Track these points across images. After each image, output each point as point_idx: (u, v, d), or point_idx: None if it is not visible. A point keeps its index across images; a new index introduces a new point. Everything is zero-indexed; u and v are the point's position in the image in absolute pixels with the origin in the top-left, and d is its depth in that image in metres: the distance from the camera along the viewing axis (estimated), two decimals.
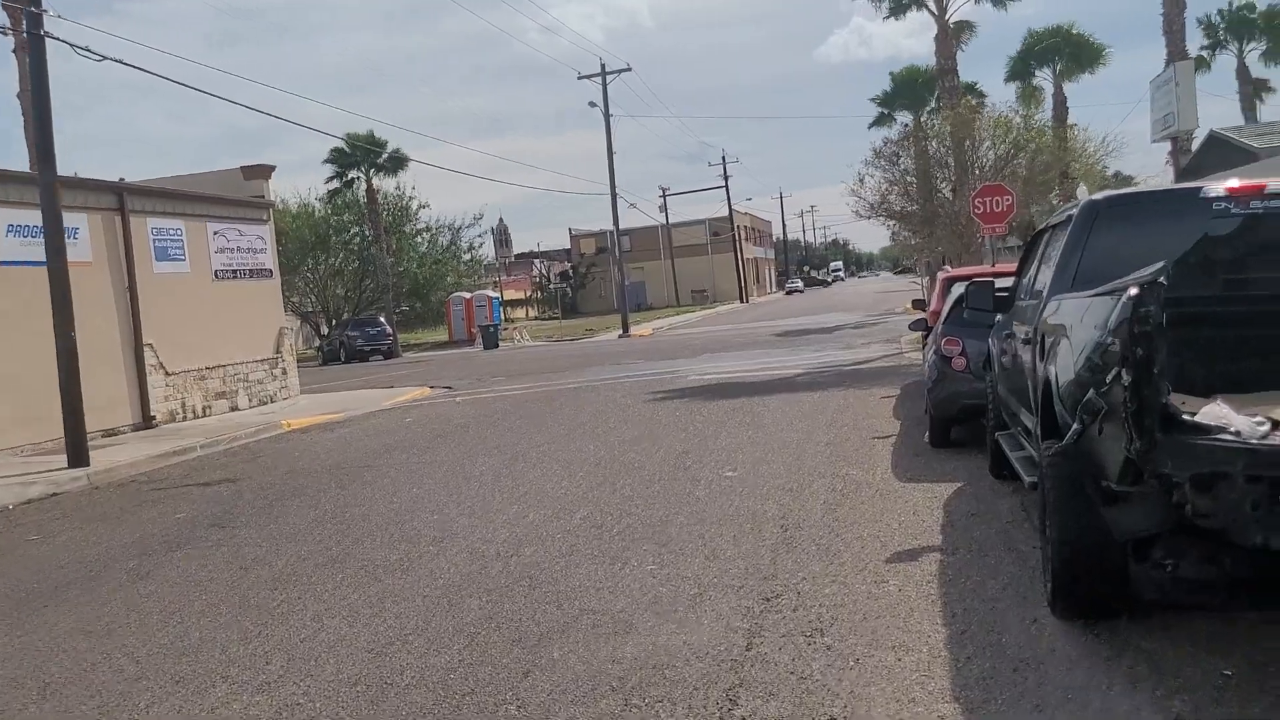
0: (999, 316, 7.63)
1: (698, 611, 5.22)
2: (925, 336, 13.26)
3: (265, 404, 22.05)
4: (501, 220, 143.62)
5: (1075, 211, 5.57)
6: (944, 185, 23.84)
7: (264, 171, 23.41)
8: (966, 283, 10.24)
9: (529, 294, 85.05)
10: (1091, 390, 4.12)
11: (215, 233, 21.26)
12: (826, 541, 6.47)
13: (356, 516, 8.59)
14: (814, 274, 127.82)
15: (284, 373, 23.10)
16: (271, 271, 23.26)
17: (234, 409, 21.07)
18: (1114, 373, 3.79)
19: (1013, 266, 15.67)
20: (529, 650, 4.86)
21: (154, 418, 18.76)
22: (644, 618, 5.19)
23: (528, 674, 4.56)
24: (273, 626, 5.64)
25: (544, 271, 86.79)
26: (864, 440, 10.38)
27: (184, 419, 19.58)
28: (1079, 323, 4.52)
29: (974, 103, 24.29)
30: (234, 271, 21.74)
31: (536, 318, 74.80)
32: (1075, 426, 4.21)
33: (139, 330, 18.67)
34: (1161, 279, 3.71)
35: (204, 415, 20.13)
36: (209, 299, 20.73)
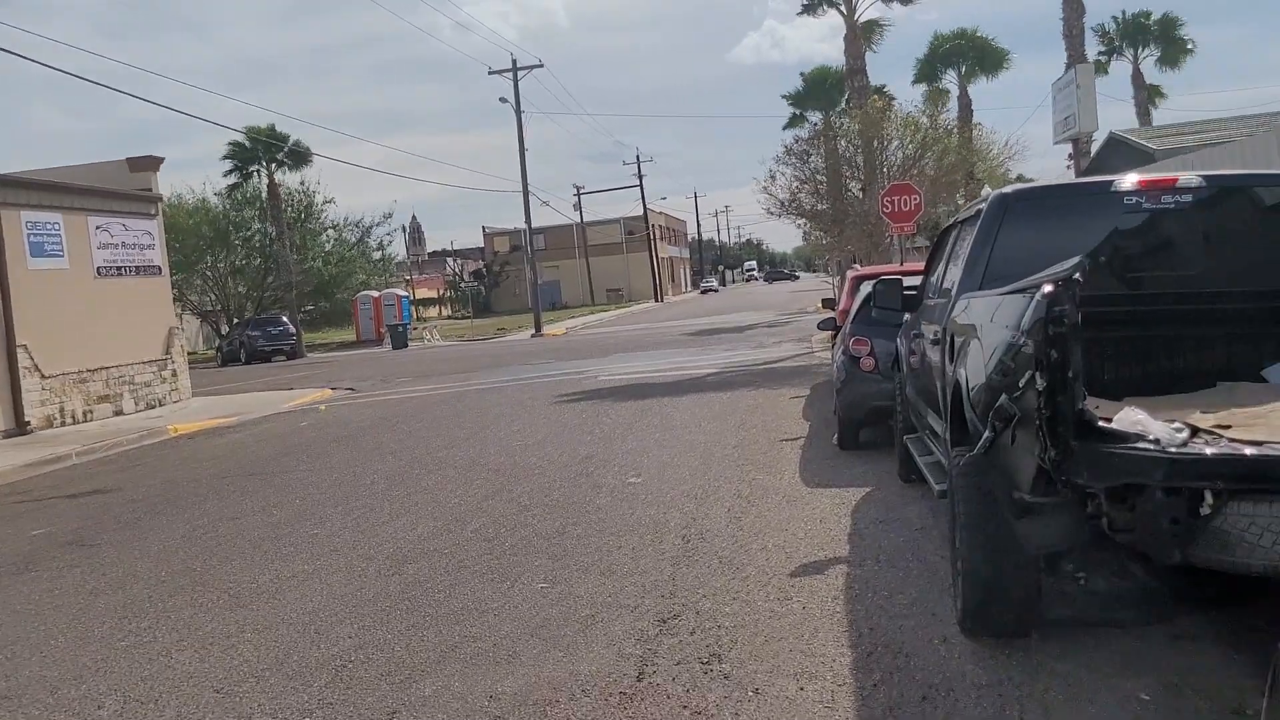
0: (907, 316, 7.41)
1: (588, 636, 4.81)
2: (834, 336, 13.10)
3: (153, 408, 20.91)
4: (415, 218, 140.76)
5: (984, 205, 5.33)
6: (853, 184, 23.90)
7: (152, 163, 22.22)
8: (874, 281, 10.08)
9: (442, 293, 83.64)
10: (1003, 395, 3.84)
11: (98, 227, 20.05)
12: (730, 554, 6.13)
13: (229, 533, 7.95)
14: (752, 274, 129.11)
15: (174, 375, 21.96)
16: (160, 268, 22.09)
17: (119, 413, 19.90)
18: (1027, 376, 3.50)
19: (921, 265, 15.79)
20: (399, 685, 4.39)
21: (29, 424, 17.57)
22: (530, 645, 4.76)
23: (394, 715, 4.09)
24: (113, 662, 5.04)
25: (457, 270, 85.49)
26: (772, 443, 10.12)
27: (63, 424, 18.39)
28: (989, 323, 4.24)
29: (882, 103, 24.45)
30: (119, 268, 20.55)
31: (450, 317, 73.54)
32: (986, 434, 3.93)
33: (10, 330, 17.46)
34: (1077, 275, 3.43)
35: (85, 420, 18.95)
36: (91, 297, 19.53)
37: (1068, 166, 20.26)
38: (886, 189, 19.31)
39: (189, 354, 49.72)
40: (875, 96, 24.73)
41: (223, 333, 46.32)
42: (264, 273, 46.52)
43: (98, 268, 19.93)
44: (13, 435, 17.23)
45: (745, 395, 14.30)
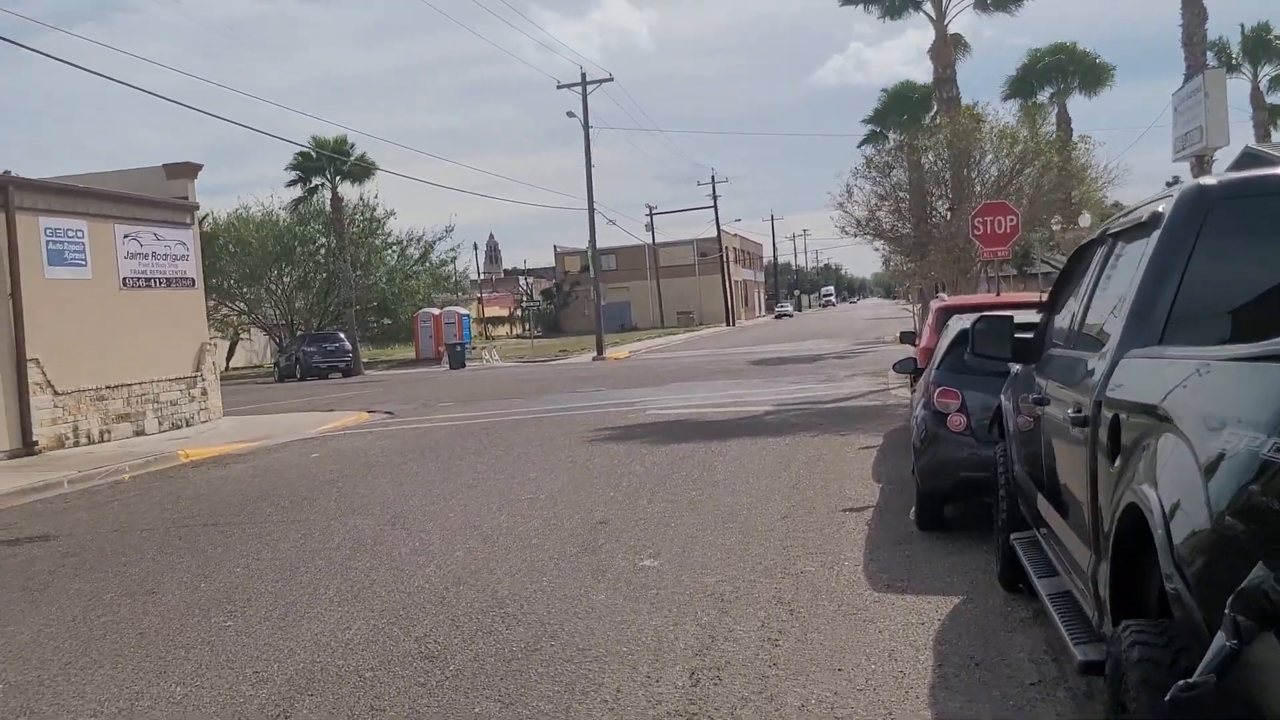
0: (1017, 368, 5.41)
1: None
2: (914, 379, 11.03)
3: (179, 428, 19.71)
4: (492, 236, 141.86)
5: (1165, 208, 3.32)
6: (940, 203, 21.63)
7: (189, 170, 21.16)
8: (968, 316, 8.03)
9: (511, 312, 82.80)
10: (1262, 568, 1.89)
11: (126, 236, 18.97)
12: (753, 712, 4.20)
13: (126, 617, 6.28)
14: (829, 299, 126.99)
15: (204, 393, 20.75)
16: (194, 281, 20.96)
17: (139, 433, 18.71)
18: None
19: (1023, 296, 13.44)
20: None
21: (36, 444, 16.40)
22: None
23: None
24: None
25: (527, 289, 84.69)
26: (832, 513, 8.12)
27: (76, 445, 17.23)
28: (1215, 412, 2.28)
29: (976, 111, 22.13)
30: (147, 279, 19.44)
31: (519, 336, 72.52)
32: (1226, 644, 1.97)
33: (20, 343, 16.34)
34: None
35: (102, 441, 17.78)
36: (115, 310, 18.40)
37: None
38: (978, 208, 17.12)
39: (254, 367, 49.69)
40: (967, 106, 22.46)
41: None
42: (327, 288, 45.84)
43: (124, 278, 18.82)
44: (17, 455, 16.07)
45: (806, 442, 12.29)
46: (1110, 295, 3.72)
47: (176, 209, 20.42)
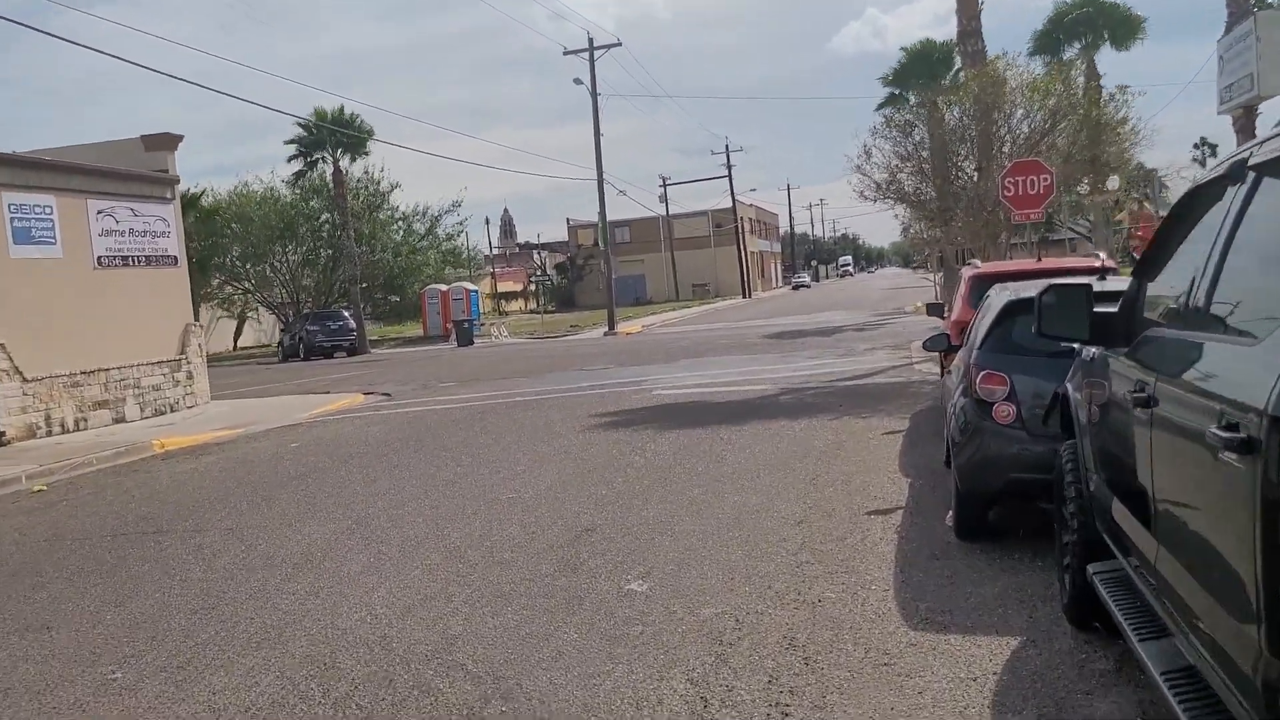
0: (1093, 351, 4.23)
1: None
2: (944, 357, 9.84)
3: (163, 414, 18.74)
4: (506, 211, 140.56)
5: None
6: (966, 163, 20.17)
7: (169, 141, 20.06)
8: (1011, 285, 6.85)
9: (525, 286, 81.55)
10: None
11: (100, 212, 17.91)
12: None
13: (7, 660, 5.22)
14: (848, 269, 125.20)
15: (189, 377, 19.76)
16: (176, 258, 19.90)
17: (119, 420, 17.76)
18: None
19: (1072, 261, 12.03)
20: None
21: (3, 434, 15.45)
22: None
23: None
24: None
25: (541, 264, 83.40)
26: (855, 516, 6.97)
27: (48, 434, 16.27)
28: None
29: (1006, 60, 20.61)
30: (125, 258, 18.40)
31: (533, 310, 71.39)
32: None
33: None
34: None
35: (77, 429, 16.81)
36: (89, 290, 17.39)
37: (1239, 131, 16.31)
38: (1009, 167, 15.77)
39: (262, 346, 48.72)
40: (996, 58, 20.93)
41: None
42: (333, 265, 44.79)
43: (98, 257, 17.79)
44: None
45: (824, 426, 11.13)
46: (1268, 258, 2.54)
47: (155, 183, 19.33)
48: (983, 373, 5.90)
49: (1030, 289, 6.43)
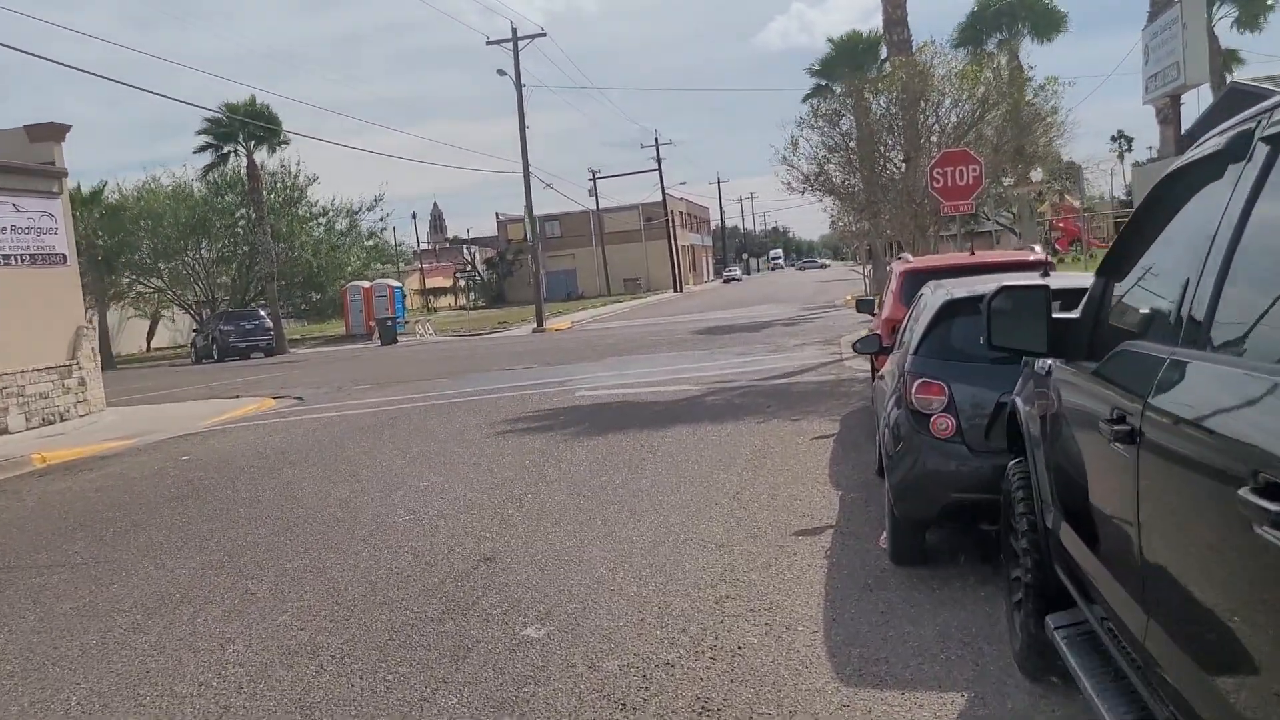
0: (1049, 364, 3.63)
1: None
2: (874, 359, 9.30)
3: (52, 424, 17.43)
4: (436, 205, 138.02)
5: None
6: (894, 154, 19.80)
7: (55, 132, 18.69)
8: (947, 282, 6.31)
9: (455, 282, 79.97)
10: None
11: None
12: None
13: None
14: (778, 262, 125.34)
15: (81, 384, 18.44)
16: (65, 257, 18.55)
17: (2, 432, 16.44)
18: None
19: (1007, 255, 11.58)
20: None
21: None
22: None
23: None
24: None
25: (470, 259, 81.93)
26: (781, 537, 6.35)
27: None
28: None
29: (933, 47, 20.26)
30: (5, 256, 17.05)
31: (463, 307, 69.97)
32: None
33: None
34: None
35: None
36: None
37: (1166, 122, 16.16)
38: (937, 158, 15.39)
39: (178, 347, 46.70)
40: (924, 44, 20.63)
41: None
42: (249, 262, 43.08)
43: None
44: None
45: (751, 430, 10.54)
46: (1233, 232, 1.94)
47: (40, 175, 17.97)
48: (918, 381, 5.31)
49: (966, 286, 5.87)
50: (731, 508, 7.26)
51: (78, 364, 18.42)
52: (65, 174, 18.75)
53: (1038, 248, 9.76)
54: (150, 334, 49.77)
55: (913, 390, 5.31)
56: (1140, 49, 16.66)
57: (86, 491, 10.65)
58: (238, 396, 20.90)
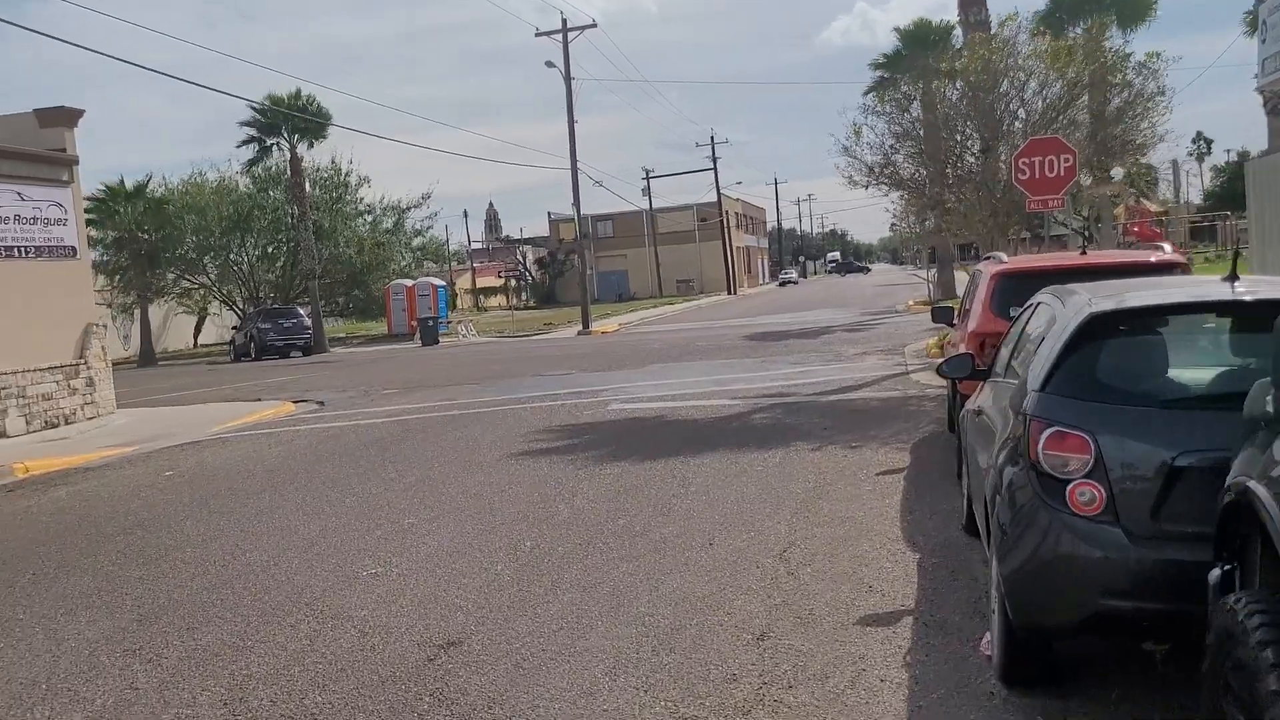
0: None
1: None
2: (955, 386, 7.59)
3: (55, 426, 16.37)
4: (491, 205, 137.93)
5: None
6: (971, 142, 17.81)
7: (67, 117, 17.66)
8: (1080, 292, 4.62)
9: (506, 282, 79.01)
10: None
11: None
12: None
13: None
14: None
15: (89, 384, 17.37)
16: (75, 249, 17.51)
17: (1, 435, 15.40)
18: None
19: (1123, 256, 9.53)
20: None
21: None
22: None
23: None
24: None
25: (521, 259, 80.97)
26: (840, 627, 4.73)
27: None
28: None
29: (1019, 22, 18.21)
30: (7, 248, 16.03)
31: (515, 307, 68.92)
32: None
33: None
34: None
35: None
36: None
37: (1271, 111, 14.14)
38: (1024, 146, 13.52)
39: (225, 344, 46.14)
40: (1010, 17, 18.59)
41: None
42: (294, 259, 42.29)
43: None
44: None
45: (804, 460, 8.89)
46: None
47: (47, 162, 16.95)
48: (1049, 430, 3.65)
49: (1110, 294, 4.19)
50: (777, 573, 5.64)
51: (86, 363, 17.36)
52: (76, 161, 17.69)
53: (1167, 246, 8.11)
54: (197, 330, 49.37)
55: (1040, 444, 3.65)
56: (1243, 37, 14.72)
57: (42, 515, 9.36)
58: (259, 400, 19.76)
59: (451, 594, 5.66)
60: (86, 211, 37.25)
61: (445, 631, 5.03)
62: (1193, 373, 3.96)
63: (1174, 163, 26.20)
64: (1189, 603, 3.19)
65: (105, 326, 18.50)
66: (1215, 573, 2.84)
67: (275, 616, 5.47)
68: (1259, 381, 2.71)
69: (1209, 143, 78.29)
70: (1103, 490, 3.53)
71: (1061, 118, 16.57)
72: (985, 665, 4.13)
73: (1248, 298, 3.78)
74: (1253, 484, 2.49)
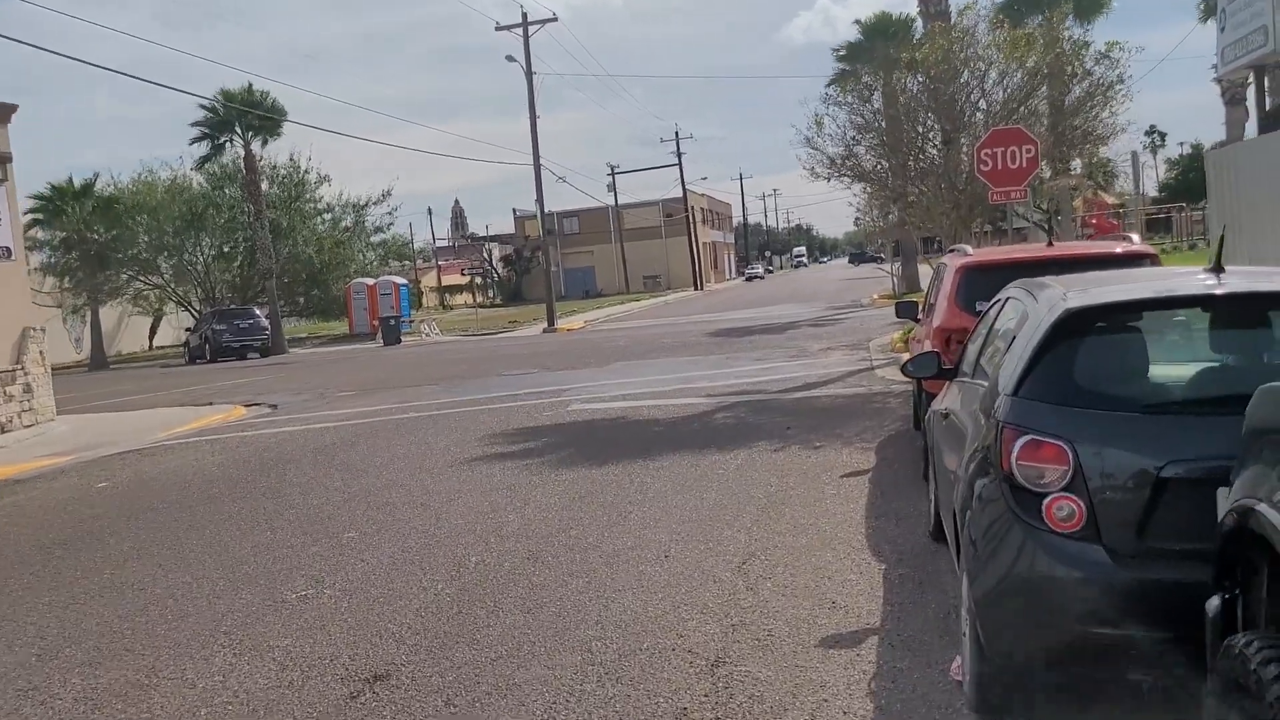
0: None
1: None
2: (920, 384, 7.29)
3: None
4: (457, 202, 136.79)
5: None
6: (932, 134, 17.54)
7: (1, 112, 16.97)
8: (1047, 284, 4.29)
9: (471, 279, 78.26)
10: None
11: None
12: None
13: None
14: (801, 260, 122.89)
15: (26, 391, 16.70)
16: (9, 250, 16.82)
17: None
18: None
19: (1091, 247, 9.32)
20: None
21: None
22: None
23: None
24: None
25: (486, 256, 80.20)
26: (802, 648, 4.38)
27: None
28: None
29: (978, 11, 18.00)
30: None
31: (481, 305, 68.20)
32: None
33: None
34: None
35: None
36: None
37: (1243, 102, 14.04)
38: (986, 137, 13.29)
39: (179, 346, 45.16)
40: (968, 6, 18.40)
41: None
42: (251, 259, 41.42)
43: None
44: None
45: (765, 462, 8.56)
46: None
47: None
48: (1024, 439, 3.30)
49: (1086, 288, 3.86)
50: (735, 589, 5.28)
51: (23, 369, 16.69)
52: (9, 158, 16.98)
53: (1135, 237, 7.90)
54: (152, 332, 48.32)
55: (1014, 453, 3.31)
56: (1198, 24, 14.60)
57: None
58: (210, 404, 19.15)
59: (385, 619, 5.24)
60: (32, 211, 36.42)
61: (373, 663, 4.62)
62: (1179, 373, 3.64)
63: (1133, 154, 26.10)
64: (1178, 628, 2.90)
65: (43, 330, 17.77)
66: (1214, 602, 2.51)
67: (189, 649, 5.03)
68: (1263, 386, 2.37)
69: (1163, 136, 79.09)
70: (1082, 504, 3.20)
71: (1022, 108, 16.36)
72: (956, 691, 3.80)
73: (1240, 290, 3.47)
74: (1262, 508, 2.15)
